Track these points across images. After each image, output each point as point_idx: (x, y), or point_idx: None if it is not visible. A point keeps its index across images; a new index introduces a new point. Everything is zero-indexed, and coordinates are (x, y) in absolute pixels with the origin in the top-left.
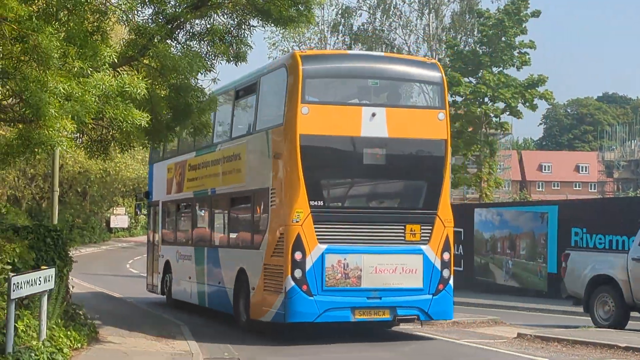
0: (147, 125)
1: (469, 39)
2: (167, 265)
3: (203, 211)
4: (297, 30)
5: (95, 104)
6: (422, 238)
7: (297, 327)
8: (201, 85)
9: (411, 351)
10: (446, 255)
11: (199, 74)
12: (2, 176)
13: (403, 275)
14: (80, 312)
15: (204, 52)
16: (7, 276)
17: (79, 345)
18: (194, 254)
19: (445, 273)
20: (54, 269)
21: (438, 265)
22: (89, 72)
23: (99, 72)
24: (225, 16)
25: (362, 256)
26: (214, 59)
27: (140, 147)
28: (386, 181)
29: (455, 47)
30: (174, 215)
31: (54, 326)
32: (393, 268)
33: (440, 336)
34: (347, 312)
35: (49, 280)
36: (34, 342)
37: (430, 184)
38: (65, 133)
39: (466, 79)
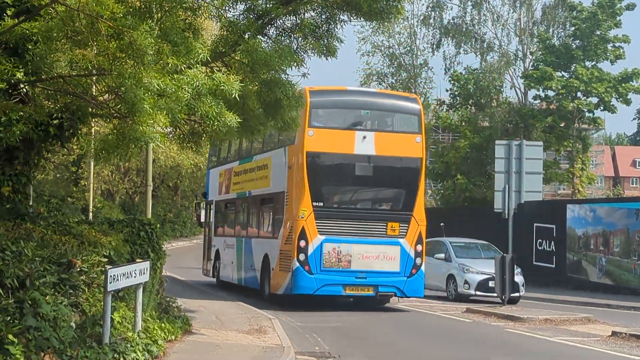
0: (237, 124)
1: (561, 33)
2: (217, 253)
3: (242, 209)
4: (386, 25)
5: (188, 100)
6: (400, 233)
7: (302, 298)
8: (291, 81)
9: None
10: (419, 247)
11: (290, 68)
12: (97, 171)
13: (384, 261)
14: (174, 305)
15: (295, 48)
16: (103, 268)
17: (173, 337)
18: (235, 243)
19: (418, 261)
20: (148, 261)
21: (412, 254)
22: (182, 68)
23: (192, 69)
24: (315, 11)
25: (352, 245)
26: (304, 54)
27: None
28: (372, 188)
29: (547, 41)
30: (223, 212)
31: (149, 318)
32: (376, 255)
33: (533, 333)
34: (339, 288)
35: (143, 273)
36: (130, 334)
37: (407, 191)
38: (159, 128)
39: (558, 73)
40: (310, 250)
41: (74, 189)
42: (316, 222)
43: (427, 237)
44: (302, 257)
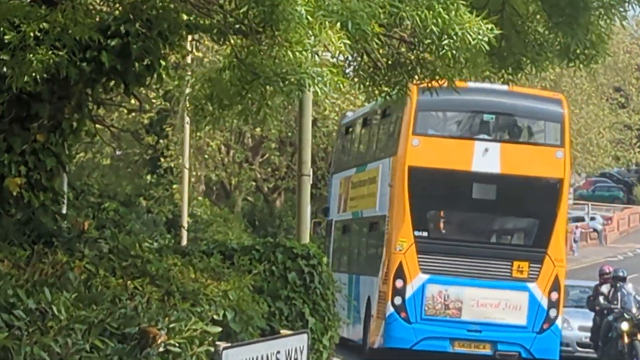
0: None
1: None
2: None
3: (355, 234)
4: None
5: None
6: (529, 276)
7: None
8: None
9: None
10: (554, 295)
11: None
12: (196, 142)
13: (506, 311)
14: None
15: None
16: (212, 347)
17: None
18: (347, 282)
19: (552, 313)
20: (305, 334)
21: (544, 304)
22: None
23: None
24: None
25: (465, 289)
26: None
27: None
28: (495, 216)
29: None
30: (340, 237)
31: None
32: (496, 303)
33: None
34: (445, 343)
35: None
36: None
37: (541, 222)
38: (326, 56)
39: None
40: (409, 293)
41: (151, 179)
42: (418, 257)
43: None
44: (397, 300)
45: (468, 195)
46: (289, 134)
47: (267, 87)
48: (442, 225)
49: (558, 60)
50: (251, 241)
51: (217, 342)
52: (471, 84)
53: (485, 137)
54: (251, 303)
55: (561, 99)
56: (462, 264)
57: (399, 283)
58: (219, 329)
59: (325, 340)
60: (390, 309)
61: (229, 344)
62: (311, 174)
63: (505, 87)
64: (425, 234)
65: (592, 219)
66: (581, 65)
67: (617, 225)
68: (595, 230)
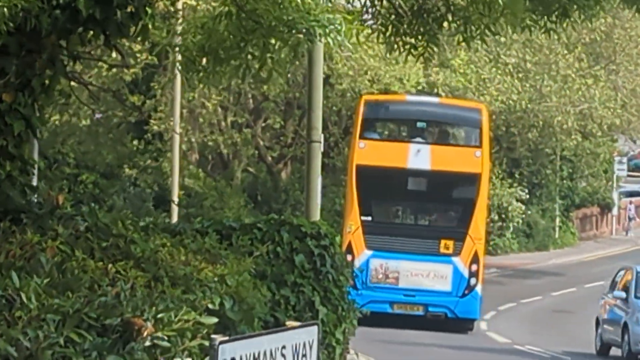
0: None
1: None
2: None
3: None
4: None
5: None
6: (453, 251)
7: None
8: None
9: None
10: (474, 267)
11: None
12: (187, 103)
13: (435, 279)
14: None
15: None
16: (206, 341)
17: None
18: None
19: (472, 281)
20: (315, 326)
21: (466, 274)
22: None
23: None
24: None
25: (401, 262)
26: None
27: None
28: (426, 204)
29: None
30: None
31: None
32: (427, 273)
33: None
34: (386, 305)
35: (304, 355)
36: None
37: (463, 208)
38: (340, 1)
39: None
40: (356, 265)
41: (136, 146)
42: (364, 237)
43: None
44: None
45: (404, 187)
46: (297, 94)
47: (271, 38)
48: (383, 211)
49: (628, 6)
50: (252, 219)
51: (213, 335)
52: (409, 97)
53: (419, 140)
54: (252, 290)
55: (480, 108)
56: (399, 242)
57: (349, 257)
58: (215, 320)
59: (338, 334)
60: None
61: (226, 337)
62: (322, 140)
63: (436, 99)
64: (369, 218)
65: None
66: None
67: None
68: None
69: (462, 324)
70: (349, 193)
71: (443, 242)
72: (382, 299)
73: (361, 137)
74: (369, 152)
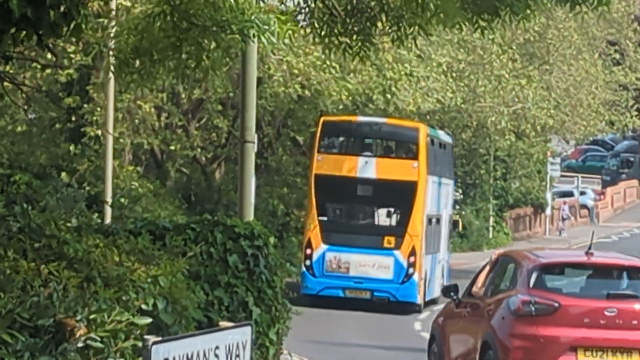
0: None
1: None
2: None
3: None
4: None
5: None
6: (394, 246)
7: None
8: None
9: None
10: (412, 259)
11: None
12: (125, 105)
13: (379, 269)
14: None
15: None
16: (139, 342)
17: None
18: None
19: (410, 270)
20: (249, 326)
21: (405, 264)
22: None
23: None
24: None
25: (351, 255)
26: None
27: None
28: (372, 206)
29: None
30: None
31: None
32: (372, 264)
33: None
34: (339, 291)
35: (237, 356)
36: None
37: (403, 210)
38: (274, 2)
39: None
40: (314, 257)
41: (74, 150)
42: (321, 234)
43: None
44: (307, 262)
45: (354, 192)
46: (231, 94)
47: (205, 38)
48: (337, 212)
49: (561, 5)
50: (186, 219)
51: (146, 336)
52: (360, 118)
53: (367, 153)
54: (185, 291)
55: (418, 128)
56: (350, 237)
57: (308, 251)
58: (148, 321)
59: (272, 334)
60: (303, 268)
61: (159, 338)
62: (256, 140)
63: (383, 120)
64: (326, 218)
65: (583, 193)
66: (587, 11)
67: (611, 201)
68: (585, 206)
69: (403, 307)
70: (309, 197)
71: (386, 238)
72: (336, 285)
73: (319, 151)
74: (325, 163)
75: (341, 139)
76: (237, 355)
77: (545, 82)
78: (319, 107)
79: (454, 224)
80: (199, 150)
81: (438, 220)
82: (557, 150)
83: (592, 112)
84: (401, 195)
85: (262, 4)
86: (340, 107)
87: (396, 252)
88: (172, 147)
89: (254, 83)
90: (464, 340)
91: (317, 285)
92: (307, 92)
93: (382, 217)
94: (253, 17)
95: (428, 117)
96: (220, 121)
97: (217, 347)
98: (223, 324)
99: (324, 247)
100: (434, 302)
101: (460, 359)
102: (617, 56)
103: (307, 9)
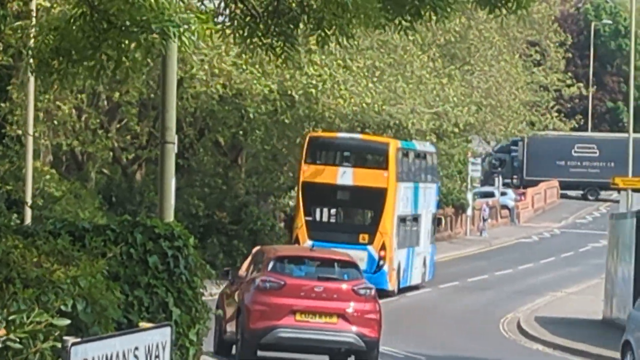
0: None
1: None
2: None
3: None
4: None
5: None
6: (368, 241)
7: None
8: None
9: None
10: (382, 252)
11: None
12: (44, 105)
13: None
14: None
15: None
16: (58, 343)
17: None
18: None
19: (381, 262)
20: (168, 327)
21: (376, 257)
22: None
23: None
24: None
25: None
26: None
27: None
28: (350, 208)
29: None
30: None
31: None
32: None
33: None
34: None
35: (156, 357)
36: None
37: (375, 212)
38: (193, 1)
39: None
40: None
41: None
42: (307, 231)
43: None
44: None
45: (335, 197)
46: (151, 95)
47: (125, 38)
48: (320, 213)
49: (480, 6)
50: (106, 220)
51: (65, 337)
52: (339, 135)
53: (345, 164)
54: (105, 291)
55: (389, 142)
56: (331, 234)
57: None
58: (67, 322)
59: (192, 335)
60: None
61: (79, 339)
62: (176, 141)
63: (359, 136)
64: (310, 218)
65: (503, 194)
66: (506, 14)
67: (531, 202)
68: (506, 207)
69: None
70: (297, 201)
71: (361, 235)
72: None
73: (306, 162)
74: (311, 172)
75: (324, 152)
76: (157, 356)
77: (467, 82)
78: (241, 107)
79: (438, 221)
80: (119, 151)
81: (416, 219)
82: (478, 151)
83: (513, 113)
84: (374, 199)
85: (181, 3)
86: (263, 108)
87: (369, 247)
88: (91, 149)
89: (174, 83)
90: (231, 308)
91: None
92: (228, 91)
93: (358, 217)
94: (173, 16)
95: (349, 118)
96: (134, 124)
97: (136, 348)
98: (143, 324)
99: (309, 242)
100: (416, 288)
101: (229, 320)
102: (538, 57)
103: (227, 10)
